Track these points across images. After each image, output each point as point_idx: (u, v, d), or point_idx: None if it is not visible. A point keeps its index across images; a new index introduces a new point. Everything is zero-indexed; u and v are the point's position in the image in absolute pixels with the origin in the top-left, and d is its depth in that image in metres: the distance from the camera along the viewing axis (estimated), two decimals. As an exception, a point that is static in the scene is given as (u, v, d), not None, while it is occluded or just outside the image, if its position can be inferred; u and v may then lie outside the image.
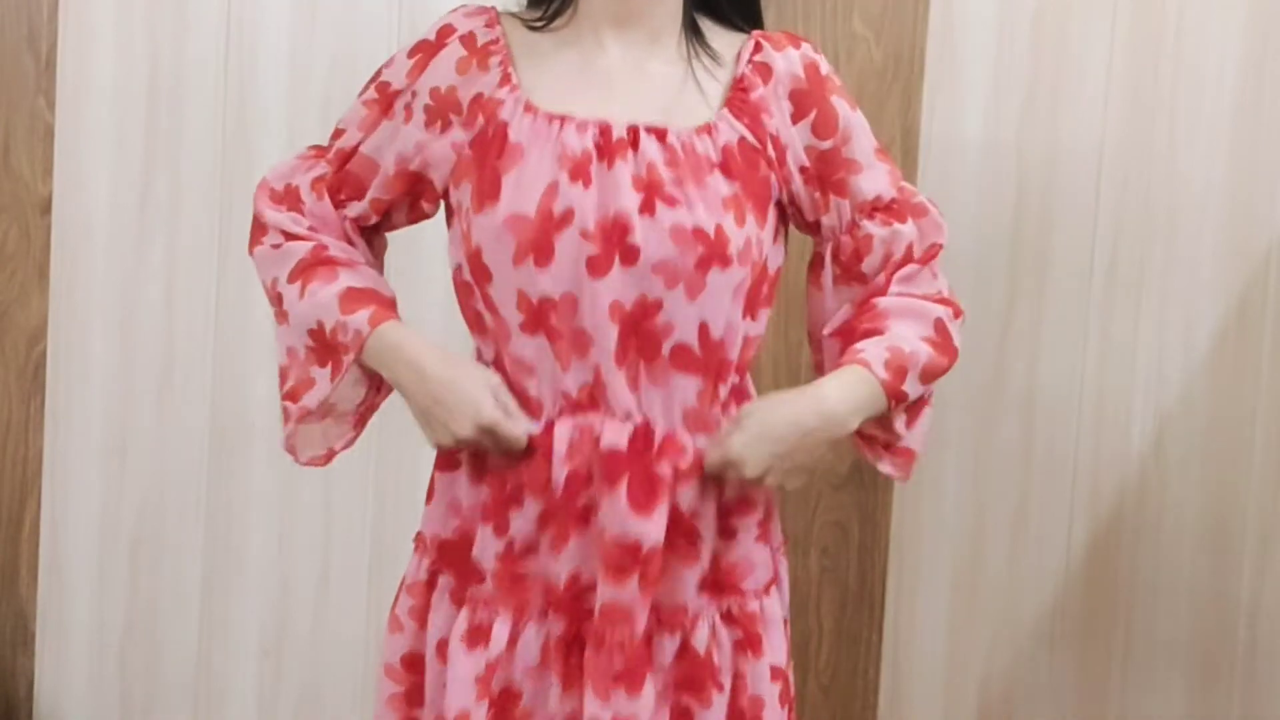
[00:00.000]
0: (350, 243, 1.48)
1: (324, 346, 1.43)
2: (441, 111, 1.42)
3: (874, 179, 1.45)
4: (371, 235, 1.52)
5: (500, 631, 1.37)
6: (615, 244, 1.34)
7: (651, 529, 1.33)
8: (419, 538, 1.47)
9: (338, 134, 1.48)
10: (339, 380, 1.43)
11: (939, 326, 1.44)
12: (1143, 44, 2.21)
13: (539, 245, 1.34)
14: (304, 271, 1.43)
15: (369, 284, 1.44)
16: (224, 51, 2.27)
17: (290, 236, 1.45)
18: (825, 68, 1.45)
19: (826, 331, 1.48)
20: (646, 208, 1.33)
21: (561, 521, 1.36)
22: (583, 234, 1.34)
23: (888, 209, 1.46)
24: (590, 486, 1.36)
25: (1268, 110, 2.21)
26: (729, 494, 1.40)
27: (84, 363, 2.31)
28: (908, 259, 1.45)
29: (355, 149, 1.46)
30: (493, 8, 1.47)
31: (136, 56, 2.27)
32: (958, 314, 1.47)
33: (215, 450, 2.32)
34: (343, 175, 1.46)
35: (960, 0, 2.22)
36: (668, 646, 1.38)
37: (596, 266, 1.34)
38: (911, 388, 1.41)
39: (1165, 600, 2.26)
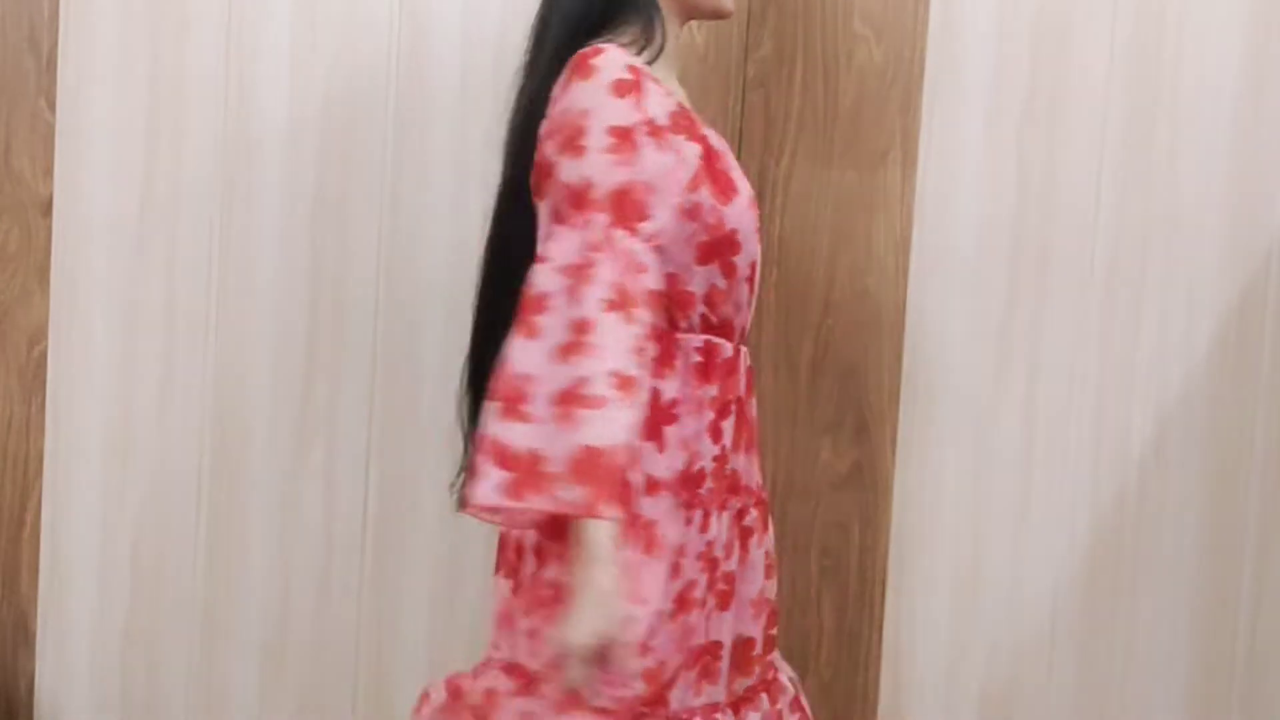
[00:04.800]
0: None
1: None
2: (683, 129, 1.71)
3: None
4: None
5: (715, 523, 1.73)
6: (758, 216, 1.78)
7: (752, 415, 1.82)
8: (656, 482, 1.68)
9: None
10: None
11: None
12: (1143, 45, 2.21)
13: (754, 220, 1.77)
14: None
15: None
16: (224, 52, 2.27)
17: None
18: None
19: None
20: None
21: (739, 425, 1.76)
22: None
23: None
24: (745, 397, 1.79)
25: (1268, 110, 2.21)
26: None
27: (85, 363, 2.32)
28: None
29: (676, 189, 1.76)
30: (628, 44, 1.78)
31: (137, 57, 2.28)
32: None
33: (216, 450, 2.32)
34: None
35: (960, 0, 2.22)
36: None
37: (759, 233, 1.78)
38: None
39: (1165, 600, 2.26)
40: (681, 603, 1.68)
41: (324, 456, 2.31)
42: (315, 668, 2.34)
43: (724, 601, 1.75)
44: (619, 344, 1.52)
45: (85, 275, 2.31)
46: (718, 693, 1.74)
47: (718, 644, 1.75)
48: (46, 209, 2.30)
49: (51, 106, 2.29)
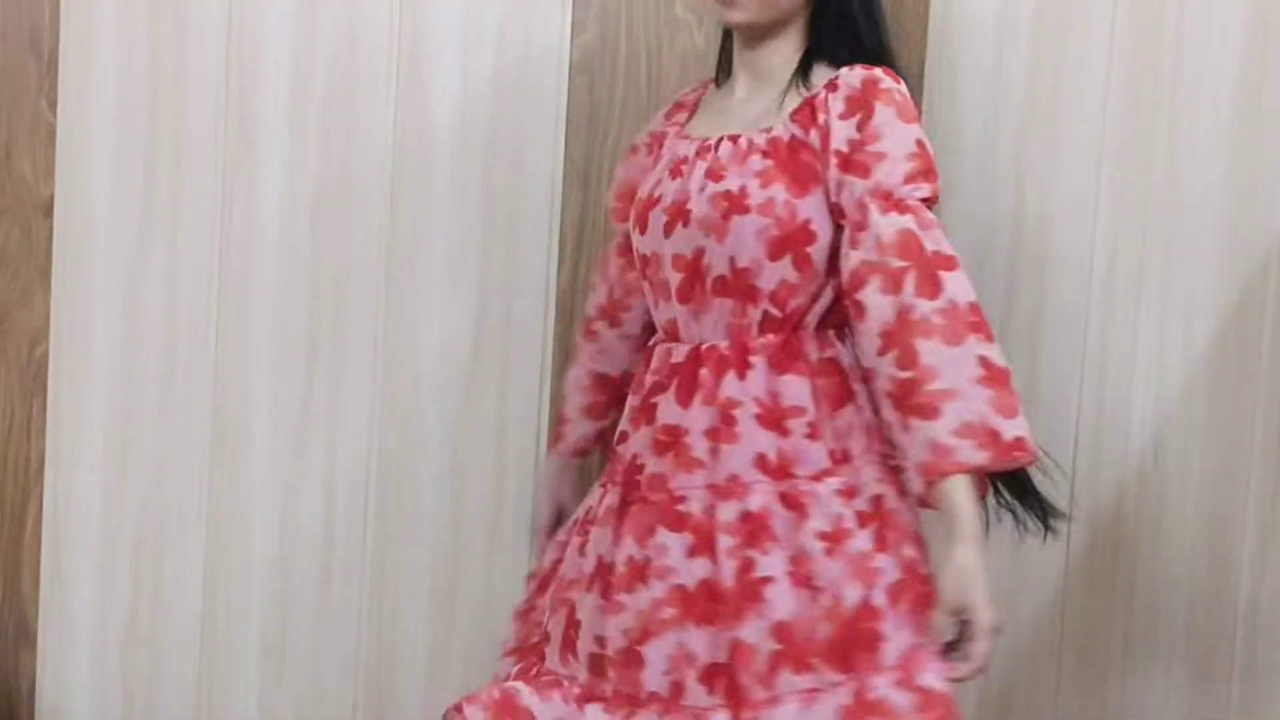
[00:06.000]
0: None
1: None
2: (655, 146, 1.94)
3: (891, 171, 1.70)
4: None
5: (596, 496, 1.87)
6: (679, 214, 1.79)
7: (687, 417, 1.75)
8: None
9: None
10: None
11: (983, 361, 1.65)
12: (1143, 44, 2.21)
13: (640, 218, 1.84)
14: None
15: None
16: (225, 53, 2.27)
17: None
18: (885, 84, 1.74)
19: (870, 364, 1.71)
20: (703, 186, 1.77)
21: (639, 415, 1.82)
22: (663, 210, 1.80)
23: (889, 198, 1.69)
24: (661, 391, 1.80)
25: (1268, 110, 2.21)
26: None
27: (86, 363, 2.32)
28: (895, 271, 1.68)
29: (613, 192, 2.03)
30: (711, 78, 1.96)
31: (138, 58, 2.28)
32: (975, 313, 1.67)
33: (216, 450, 2.32)
34: (612, 211, 2.04)
35: (960, 1, 2.22)
36: (726, 511, 1.72)
37: (667, 230, 1.80)
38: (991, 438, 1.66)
39: (1164, 600, 2.26)
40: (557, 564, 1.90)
41: (324, 456, 2.31)
42: (315, 668, 2.34)
43: (589, 583, 1.79)
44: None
45: (86, 276, 2.31)
46: (577, 670, 1.79)
47: (578, 621, 1.78)
48: (48, 210, 2.31)
49: (53, 107, 2.29)
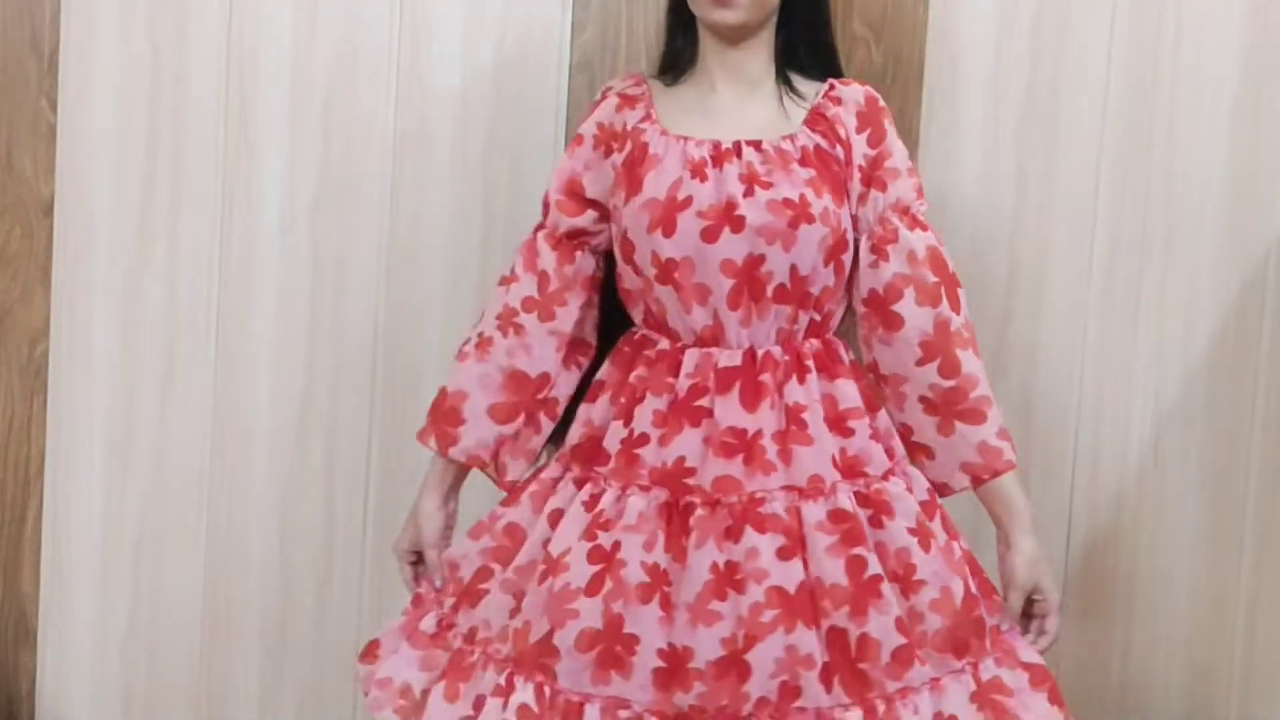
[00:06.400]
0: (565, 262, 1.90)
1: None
2: (605, 140, 1.87)
3: (905, 188, 1.84)
4: (577, 250, 1.91)
5: (609, 498, 1.77)
6: (725, 218, 1.76)
7: (755, 420, 1.76)
8: (560, 455, 1.88)
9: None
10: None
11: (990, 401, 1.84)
12: (1143, 44, 2.21)
13: (665, 221, 1.77)
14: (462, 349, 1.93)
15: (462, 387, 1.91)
16: (225, 53, 2.27)
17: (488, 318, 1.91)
18: (881, 101, 1.87)
19: (895, 370, 1.84)
20: (749, 192, 1.76)
21: (678, 418, 1.77)
22: (699, 214, 1.77)
23: (908, 213, 1.83)
24: (706, 395, 1.77)
25: (1267, 110, 2.21)
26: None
27: (86, 362, 2.32)
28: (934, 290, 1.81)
29: (558, 184, 1.91)
30: (640, 73, 1.95)
31: (139, 58, 2.28)
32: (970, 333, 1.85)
33: (217, 449, 2.32)
34: (557, 203, 1.90)
35: (960, 1, 2.22)
36: (813, 511, 1.74)
37: (709, 235, 1.76)
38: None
39: (1163, 600, 2.26)
40: (552, 567, 1.76)
41: (324, 456, 2.32)
42: (315, 667, 2.34)
43: (644, 594, 1.71)
44: (488, 310, 1.89)
45: (87, 275, 2.31)
46: (632, 690, 1.71)
47: (631, 636, 1.70)
48: (48, 209, 2.31)
49: (53, 107, 2.29)
